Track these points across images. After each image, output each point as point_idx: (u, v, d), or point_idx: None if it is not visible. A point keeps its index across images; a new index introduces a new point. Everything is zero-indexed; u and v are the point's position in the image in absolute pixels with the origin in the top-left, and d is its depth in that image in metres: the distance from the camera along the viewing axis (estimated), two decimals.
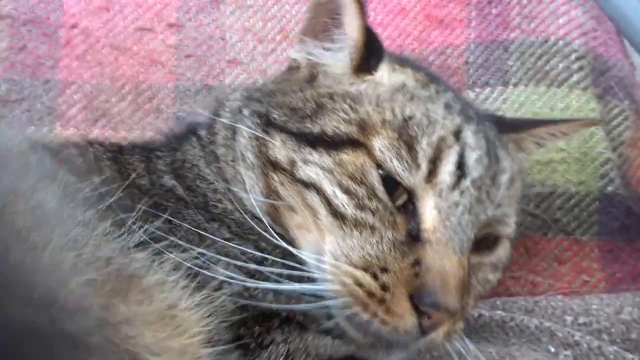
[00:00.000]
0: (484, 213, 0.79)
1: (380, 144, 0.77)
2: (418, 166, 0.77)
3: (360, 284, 0.72)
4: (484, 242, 0.83)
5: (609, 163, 1.27)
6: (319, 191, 0.77)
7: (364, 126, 0.79)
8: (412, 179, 0.76)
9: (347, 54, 0.87)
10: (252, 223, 0.79)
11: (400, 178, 0.76)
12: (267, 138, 0.82)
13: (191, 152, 0.90)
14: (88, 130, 1.26)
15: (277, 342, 0.70)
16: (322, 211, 0.77)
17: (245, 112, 0.89)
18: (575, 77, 1.29)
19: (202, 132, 0.94)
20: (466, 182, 0.77)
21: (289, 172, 0.80)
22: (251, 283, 0.71)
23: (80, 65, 1.29)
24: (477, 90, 1.30)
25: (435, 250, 0.74)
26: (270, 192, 0.82)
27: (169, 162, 0.89)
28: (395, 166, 0.76)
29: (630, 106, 1.31)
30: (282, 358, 0.69)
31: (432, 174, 0.77)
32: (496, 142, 0.87)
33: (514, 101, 1.29)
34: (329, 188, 0.76)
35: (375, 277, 0.72)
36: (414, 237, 0.75)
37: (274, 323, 0.72)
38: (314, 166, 0.78)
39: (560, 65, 1.30)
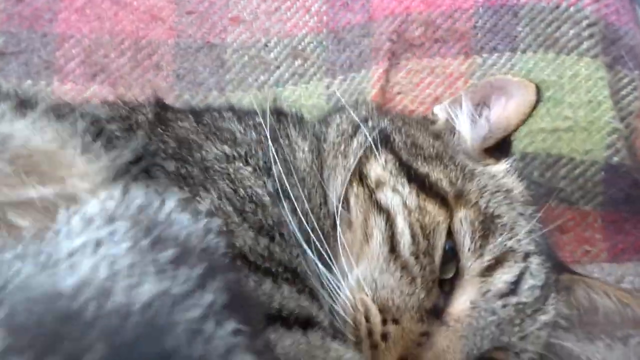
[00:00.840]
0: (508, 336, 0.78)
1: (463, 216, 0.78)
2: (482, 256, 0.77)
3: (367, 319, 0.73)
4: None
5: (616, 133, 1.24)
6: (389, 220, 0.78)
7: (460, 196, 0.80)
8: (470, 263, 0.77)
9: (483, 134, 0.91)
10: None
11: (461, 255, 0.76)
12: (377, 153, 0.84)
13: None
14: (86, 86, 1.24)
15: None
16: (379, 239, 0.77)
17: (370, 123, 0.92)
18: (585, 45, 1.26)
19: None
20: (512, 300, 0.78)
21: (369, 190, 0.81)
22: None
23: (79, 19, 1.26)
24: (484, 55, 1.27)
25: (448, 336, 0.74)
26: (343, 198, 0.83)
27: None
28: (464, 243, 0.76)
29: None
30: None
31: (488, 271, 0.77)
32: (551, 286, 0.86)
33: (522, 67, 1.26)
34: (402, 223, 0.77)
35: (384, 322, 0.73)
36: (436, 314, 0.76)
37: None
38: (399, 197, 0.79)
39: (571, 32, 1.26)
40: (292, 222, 0.75)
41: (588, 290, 0.92)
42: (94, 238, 0.47)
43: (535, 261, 0.82)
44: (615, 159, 1.24)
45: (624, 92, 1.26)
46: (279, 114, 0.97)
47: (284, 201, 0.76)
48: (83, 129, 0.66)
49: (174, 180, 0.73)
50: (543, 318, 0.83)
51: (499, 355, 0.81)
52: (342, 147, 0.88)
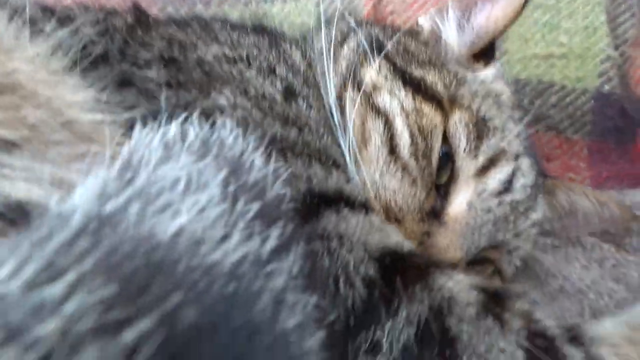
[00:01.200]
0: (503, 233, 0.81)
1: (458, 118, 0.78)
2: (476, 157, 0.78)
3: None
4: (477, 269, 0.83)
5: (610, 61, 1.23)
6: (387, 122, 0.78)
7: (454, 100, 0.81)
8: (465, 164, 0.77)
9: (470, 39, 0.89)
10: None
11: (457, 157, 0.77)
12: (371, 57, 0.83)
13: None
14: None
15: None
16: (378, 141, 0.77)
17: (360, 32, 0.90)
18: None
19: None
20: (507, 197, 0.80)
21: (366, 94, 0.81)
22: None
23: None
24: None
25: (447, 235, 0.75)
26: (339, 103, 0.82)
27: None
28: (460, 144, 0.77)
29: (639, 4, 1.25)
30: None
31: (483, 171, 0.78)
32: (540, 187, 0.88)
33: None
34: (400, 125, 0.77)
35: (387, 221, 0.73)
36: (435, 215, 0.76)
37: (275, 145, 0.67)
38: (396, 100, 0.79)
39: None
40: (314, 113, 0.75)
41: (569, 192, 0.96)
42: (184, 175, 0.39)
43: (525, 162, 0.84)
44: (607, 87, 1.23)
45: (620, 19, 1.24)
46: (267, 30, 0.94)
47: (298, 98, 0.76)
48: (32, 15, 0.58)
49: (170, 91, 0.68)
50: (534, 216, 0.86)
51: (493, 254, 0.84)
52: (332, 54, 0.86)
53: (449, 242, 0.75)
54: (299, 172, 0.63)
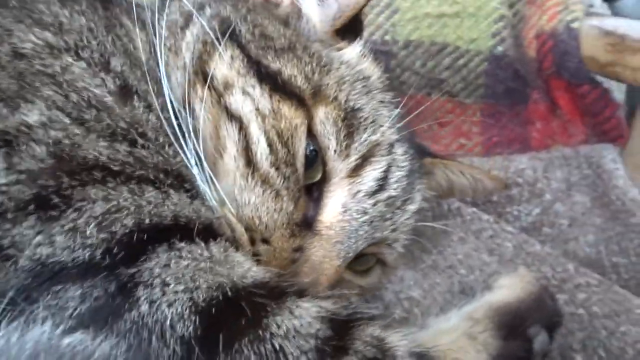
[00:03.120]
0: (381, 231, 0.76)
1: (323, 116, 0.70)
2: (348, 156, 0.70)
3: (234, 240, 0.65)
4: (360, 262, 0.80)
5: (503, 20, 1.18)
6: (242, 129, 0.68)
7: (317, 92, 0.72)
8: (336, 165, 0.70)
9: (332, 14, 0.80)
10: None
11: (327, 158, 0.69)
12: (219, 47, 0.71)
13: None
14: None
15: (91, 198, 0.55)
16: (232, 151, 0.68)
17: (209, 11, 0.77)
18: None
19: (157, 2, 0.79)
20: (382, 196, 0.74)
21: (217, 93, 0.70)
22: None
23: None
24: None
25: (322, 246, 0.69)
26: (185, 103, 0.71)
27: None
28: (330, 145, 0.69)
29: None
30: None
31: (356, 170, 0.71)
32: (416, 172, 0.83)
33: None
34: (256, 132, 0.68)
35: (252, 242, 0.66)
36: (308, 225, 0.70)
37: (93, 175, 0.57)
38: (250, 102, 0.69)
39: None
40: (154, 117, 0.65)
41: (446, 171, 0.94)
42: None
43: (399, 150, 0.79)
44: (500, 48, 1.19)
45: None
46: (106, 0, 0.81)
47: (134, 98, 0.64)
48: None
49: None
50: (411, 208, 0.82)
51: (373, 250, 0.81)
52: (172, 41, 0.76)
53: (325, 252, 0.70)
54: (122, 205, 0.54)
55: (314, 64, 0.74)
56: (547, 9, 1.17)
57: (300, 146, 0.69)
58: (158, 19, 0.77)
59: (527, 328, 0.71)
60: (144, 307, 0.49)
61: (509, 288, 0.77)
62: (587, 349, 0.85)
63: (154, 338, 0.49)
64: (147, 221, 0.54)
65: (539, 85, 1.22)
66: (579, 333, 0.86)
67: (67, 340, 0.40)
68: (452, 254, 0.96)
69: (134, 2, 0.79)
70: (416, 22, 1.17)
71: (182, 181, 0.62)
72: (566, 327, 0.86)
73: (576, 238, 1.06)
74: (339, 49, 0.80)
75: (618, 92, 1.22)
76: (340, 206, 0.71)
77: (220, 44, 0.71)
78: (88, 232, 0.51)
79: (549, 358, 0.80)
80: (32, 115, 0.56)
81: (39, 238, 0.51)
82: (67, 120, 0.58)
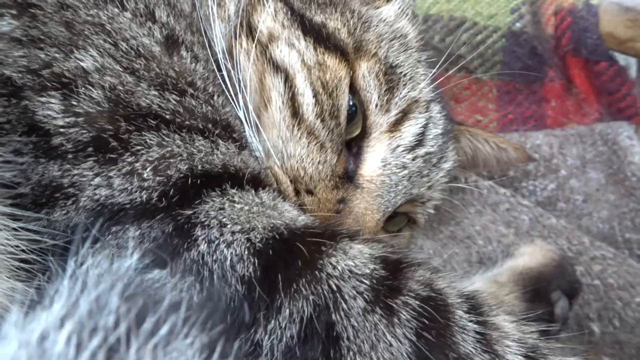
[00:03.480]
0: (418, 187, 0.77)
1: (366, 70, 0.71)
2: (388, 111, 0.72)
3: (279, 191, 0.65)
4: (393, 222, 0.81)
5: None
6: (287, 80, 0.69)
7: (359, 47, 0.73)
8: (377, 119, 0.71)
9: None
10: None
11: (368, 112, 0.71)
12: (264, 0, 0.72)
13: None
14: None
15: (147, 144, 0.55)
16: (279, 102, 0.68)
17: None
18: None
19: None
20: (421, 151, 0.75)
21: (262, 45, 0.70)
22: None
23: None
24: None
25: (364, 198, 0.71)
26: (229, 55, 0.70)
27: None
28: (372, 99, 0.70)
29: None
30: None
31: (395, 125, 0.72)
32: (449, 133, 0.85)
33: None
34: (302, 83, 0.69)
35: (297, 193, 0.68)
36: (349, 178, 0.71)
37: (148, 122, 0.57)
38: (295, 53, 0.70)
39: None
40: (201, 67, 0.65)
41: (471, 139, 0.96)
42: None
43: (435, 109, 0.80)
44: (518, 25, 1.19)
45: None
46: None
47: (181, 48, 0.64)
48: None
49: (22, 49, 0.55)
50: (446, 166, 0.83)
51: (407, 208, 0.82)
52: None
53: (366, 205, 0.71)
54: (176, 151, 0.55)
55: (356, 19, 0.75)
56: None
57: (344, 99, 0.70)
58: None
59: (550, 293, 0.72)
60: (203, 247, 0.50)
61: (530, 255, 0.78)
62: (603, 319, 0.87)
63: (215, 277, 0.50)
64: (199, 167, 0.55)
65: (555, 63, 1.22)
66: (594, 303, 0.88)
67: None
68: (470, 225, 0.97)
69: None
70: None
71: (230, 132, 0.62)
72: (582, 298, 0.87)
73: (590, 214, 1.07)
74: (377, 7, 0.81)
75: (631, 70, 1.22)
76: (380, 160, 0.73)
77: None
78: (145, 175, 0.52)
79: (567, 326, 0.82)
80: (87, 61, 0.58)
81: (97, 180, 0.52)
82: (119, 68, 0.59)
